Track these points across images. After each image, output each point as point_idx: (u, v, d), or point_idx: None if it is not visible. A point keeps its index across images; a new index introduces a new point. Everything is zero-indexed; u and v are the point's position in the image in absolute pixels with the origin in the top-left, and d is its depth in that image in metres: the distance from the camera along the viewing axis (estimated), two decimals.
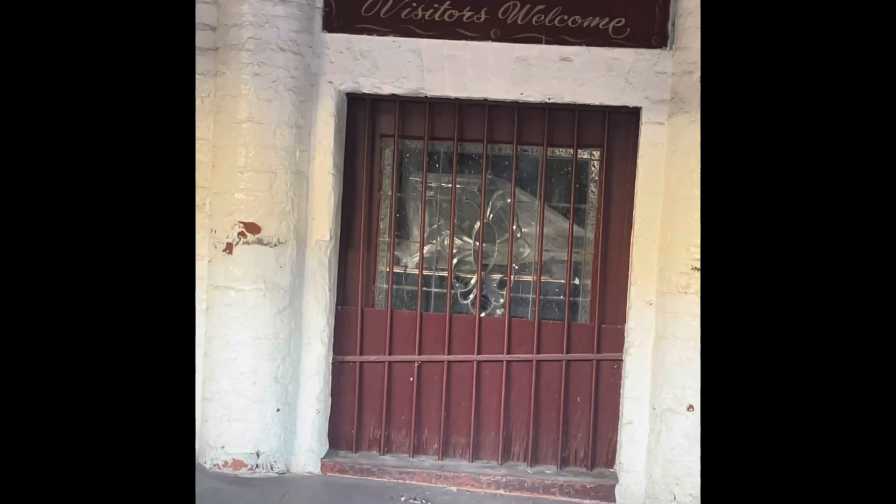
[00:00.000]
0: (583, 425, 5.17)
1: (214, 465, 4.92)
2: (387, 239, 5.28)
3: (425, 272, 5.27)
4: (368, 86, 5.01)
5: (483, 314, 5.25)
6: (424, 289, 5.26)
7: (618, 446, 5.06)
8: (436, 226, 5.30)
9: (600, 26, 4.83)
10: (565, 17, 4.85)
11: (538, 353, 5.16)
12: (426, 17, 4.92)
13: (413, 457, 5.23)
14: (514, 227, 5.21)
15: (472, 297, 5.29)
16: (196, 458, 5.02)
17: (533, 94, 4.93)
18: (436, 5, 4.91)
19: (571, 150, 5.12)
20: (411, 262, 5.31)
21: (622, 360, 5.02)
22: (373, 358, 5.25)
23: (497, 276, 5.29)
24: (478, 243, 5.23)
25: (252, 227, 4.82)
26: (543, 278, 5.21)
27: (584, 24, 4.84)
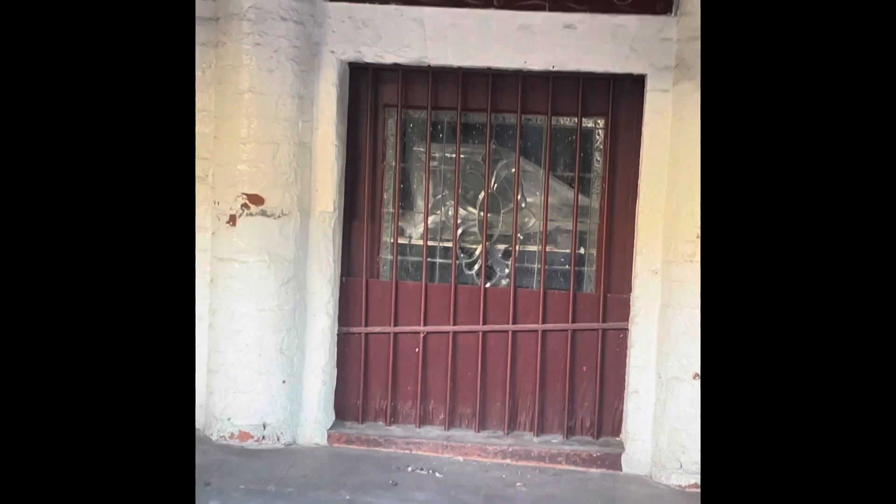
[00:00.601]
0: (589, 394, 5.17)
1: (221, 437, 4.92)
2: (391, 210, 5.25)
3: (430, 243, 5.25)
4: (371, 55, 4.97)
5: (488, 284, 5.24)
6: (429, 259, 5.25)
7: (624, 415, 5.06)
8: (440, 196, 5.27)
9: None
10: None
11: (544, 322, 5.15)
12: None
13: (419, 427, 5.24)
14: (519, 197, 5.19)
15: (477, 267, 5.27)
16: (202, 430, 5.04)
17: (537, 62, 4.89)
18: None
19: (576, 119, 5.09)
20: (416, 232, 5.30)
21: (628, 329, 5.02)
22: (378, 329, 5.24)
23: (502, 247, 5.27)
24: (482, 213, 5.21)
25: (255, 199, 4.80)
26: (549, 248, 5.19)
27: None
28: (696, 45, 4.54)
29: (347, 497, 4.30)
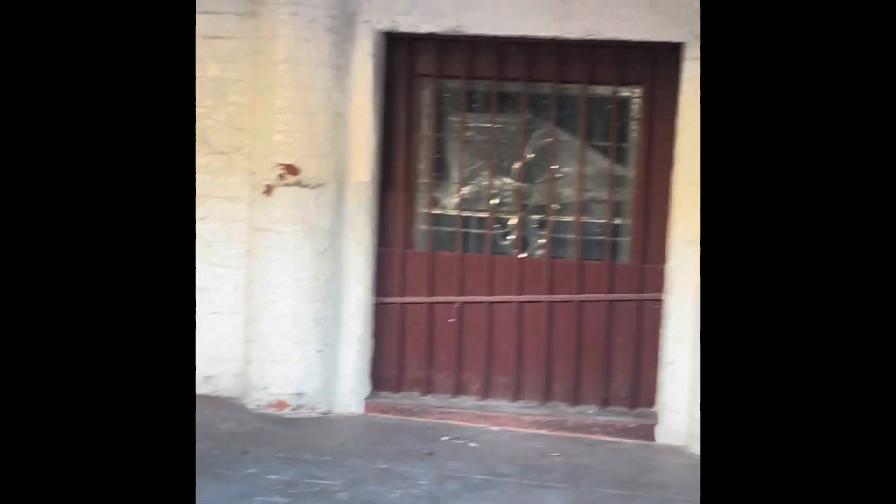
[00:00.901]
0: (624, 365, 5.15)
1: (258, 406, 4.98)
2: (426, 180, 5.25)
3: (465, 213, 5.24)
4: (406, 24, 4.94)
5: (524, 255, 5.22)
6: (464, 230, 5.24)
7: (659, 386, 5.04)
8: (475, 166, 5.25)
9: None
10: None
11: (580, 293, 5.13)
12: None
13: (454, 397, 5.26)
14: (555, 167, 5.16)
15: (512, 237, 5.26)
16: (240, 398, 5.10)
17: (573, 30, 4.84)
18: None
19: (612, 88, 5.04)
20: (451, 203, 5.29)
21: (664, 299, 4.99)
22: (414, 299, 5.25)
23: (537, 217, 5.25)
24: (518, 183, 5.19)
25: (291, 169, 4.81)
26: (584, 218, 5.16)
27: None
28: None
29: (383, 466, 4.32)
